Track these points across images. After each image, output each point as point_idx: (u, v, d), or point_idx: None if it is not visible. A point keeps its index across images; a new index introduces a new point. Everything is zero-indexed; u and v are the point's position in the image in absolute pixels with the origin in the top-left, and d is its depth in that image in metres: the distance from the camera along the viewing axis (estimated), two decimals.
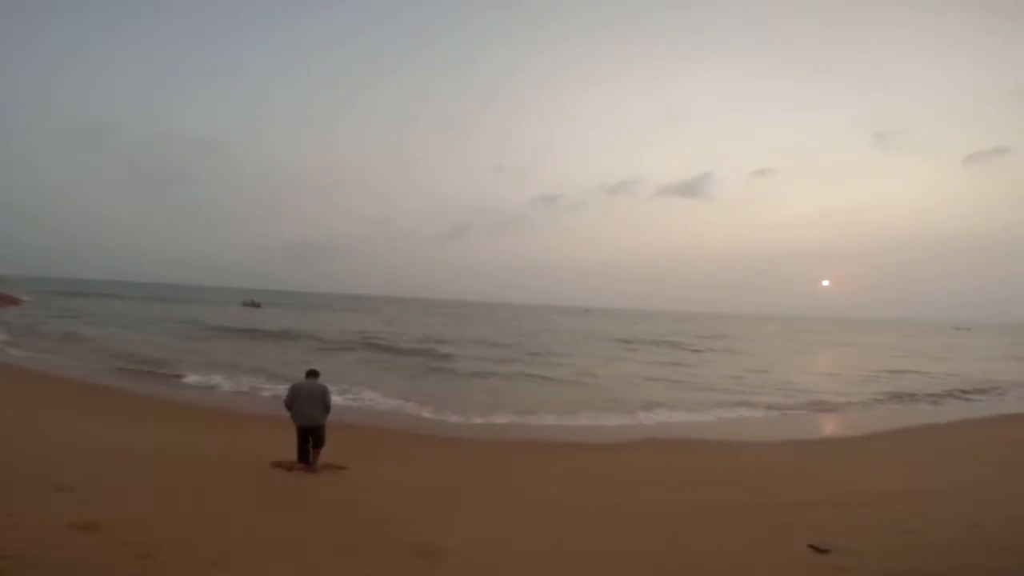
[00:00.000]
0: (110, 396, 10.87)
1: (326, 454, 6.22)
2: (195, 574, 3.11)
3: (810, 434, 10.80)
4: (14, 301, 37.30)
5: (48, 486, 4.35)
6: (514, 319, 65.26)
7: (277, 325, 33.15)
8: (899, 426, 11.56)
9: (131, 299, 57.95)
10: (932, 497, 5.33)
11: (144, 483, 5.04)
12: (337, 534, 4.10)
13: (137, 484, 4.97)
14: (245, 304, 60.59)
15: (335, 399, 6.78)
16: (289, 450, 6.23)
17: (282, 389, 11.04)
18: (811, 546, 3.66)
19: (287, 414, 6.07)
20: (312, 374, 6.31)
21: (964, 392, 17.49)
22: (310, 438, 6.04)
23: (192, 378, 13.60)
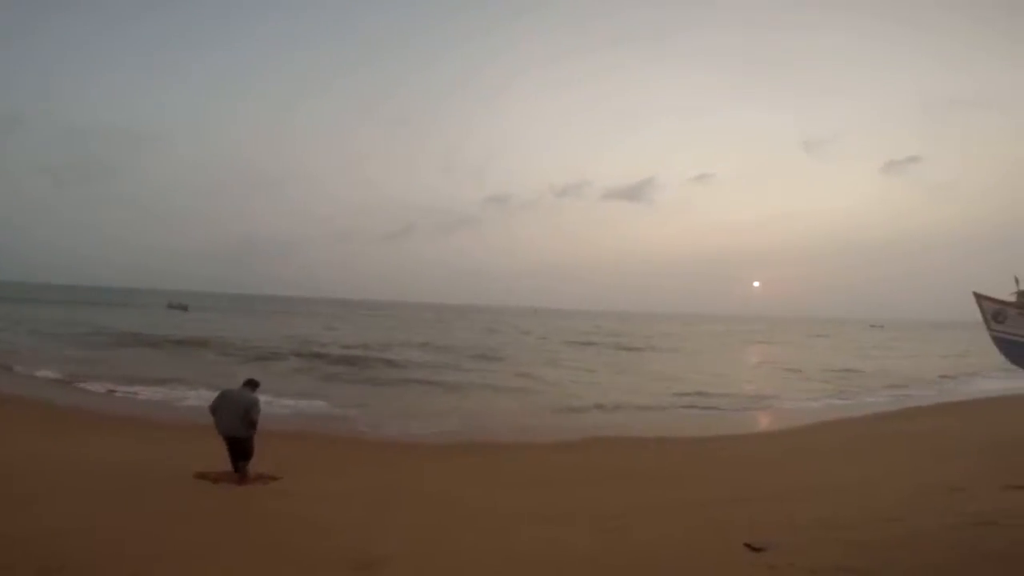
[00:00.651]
0: (9, 406, 9.98)
1: (257, 464, 5.90)
2: None
3: (745, 430, 11.27)
4: None
5: None
6: (461, 320, 64.72)
7: (200, 331, 30.24)
8: (825, 420, 12.25)
9: (47, 303, 52.67)
10: (855, 491, 5.62)
11: (54, 496, 4.68)
12: (267, 547, 3.90)
13: (46, 497, 4.64)
14: (171, 307, 56.96)
15: (270, 408, 6.44)
16: (214, 460, 5.89)
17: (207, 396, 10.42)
18: (747, 544, 3.73)
19: (212, 421, 5.76)
20: (249, 384, 5.99)
21: (886, 387, 18.77)
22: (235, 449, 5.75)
23: (95, 386, 12.52)
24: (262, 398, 6.12)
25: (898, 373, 22.63)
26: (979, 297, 9.00)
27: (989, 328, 8.98)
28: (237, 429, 5.67)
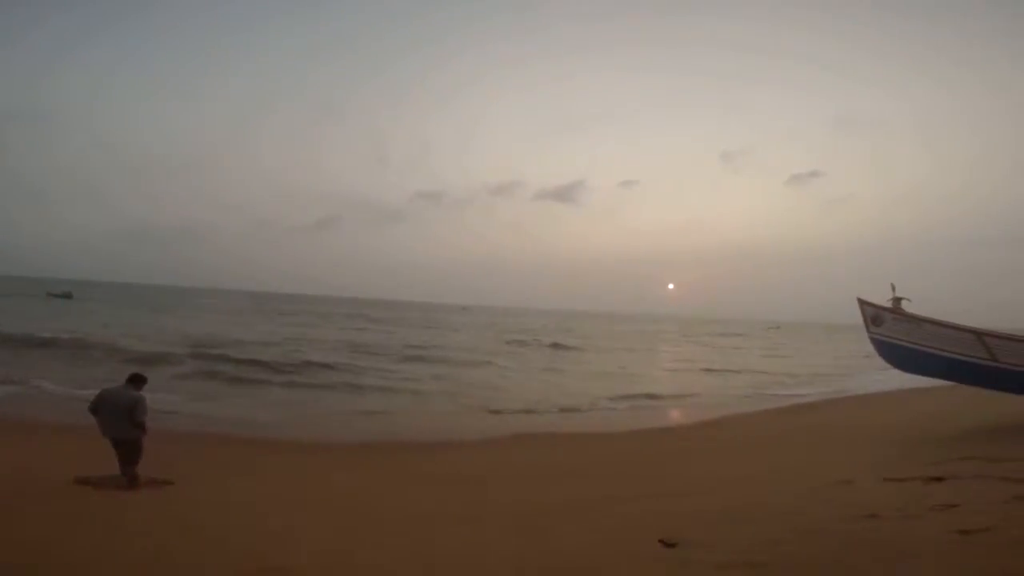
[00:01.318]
0: None
1: (148, 468, 5.44)
2: None
3: (660, 425, 11.76)
4: None
5: None
6: (386, 317, 63.03)
7: (81, 325, 25.76)
8: (731, 415, 13.10)
9: None
10: (758, 484, 5.97)
11: None
12: (155, 557, 3.58)
13: None
14: (52, 295, 51.13)
15: (161, 408, 5.97)
16: (97, 464, 5.40)
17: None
18: (661, 540, 3.81)
19: (94, 421, 5.33)
20: (132, 380, 5.48)
21: (790, 384, 20.44)
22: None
23: None
24: (149, 396, 5.63)
25: (799, 371, 24.81)
26: (862, 302, 9.84)
27: (869, 331, 9.82)
28: (122, 430, 5.22)
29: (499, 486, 6.28)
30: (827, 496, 5.08)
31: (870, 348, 10.08)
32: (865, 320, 9.73)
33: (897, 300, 9.30)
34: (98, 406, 5.31)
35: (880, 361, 10.13)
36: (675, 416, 13.31)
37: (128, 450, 5.31)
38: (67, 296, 51.29)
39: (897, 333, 9.33)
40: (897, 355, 9.50)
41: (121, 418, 5.22)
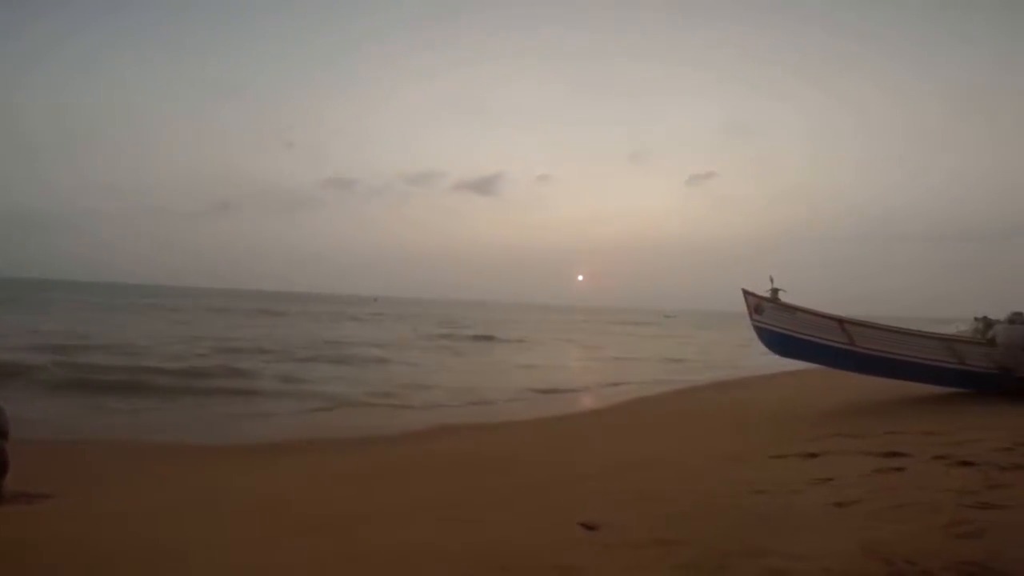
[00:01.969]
0: None
1: (18, 482, 4.89)
2: None
3: (572, 410, 12.22)
4: None
5: None
6: (289, 309, 59.48)
7: None
8: (638, 397, 13.94)
9: None
10: (664, 464, 6.41)
11: None
12: None
13: None
14: None
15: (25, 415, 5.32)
16: None
17: None
18: (581, 524, 3.97)
19: None
20: None
21: (693, 368, 22.03)
22: None
23: None
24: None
25: (695, 356, 26.89)
26: (745, 292, 10.76)
27: (751, 319, 10.77)
28: None
29: (420, 480, 6.24)
30: (723, 474, 5.56)
31: (754, 335, 11.14)
32: (748, 309, 10.73)
33: (775, 291, 10.35)
34: None
35: (762, 346, 11.25)
36: (588, 402, 13.93)
37: None
38: None
39: (775, 321, 10.39)
40: (775, 341, 10.58)
41: None
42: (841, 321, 9.88)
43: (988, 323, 12.46)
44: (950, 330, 17.06)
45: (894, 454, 5.28)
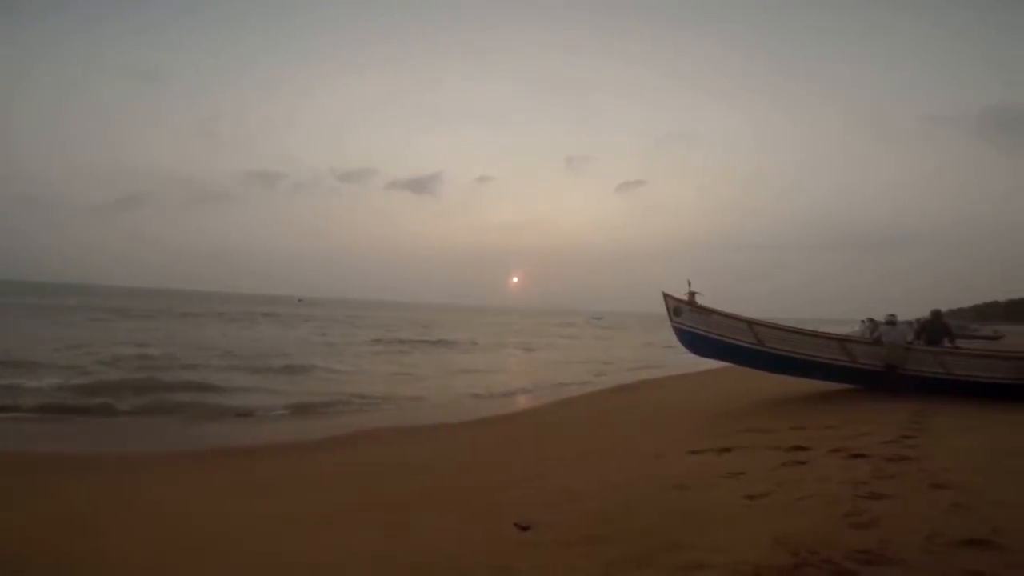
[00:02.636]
0: None
1: None
2: None
3: (501, 411, 12.29)
4: None
5: None
6: (200, 310, 55.35)
7: None
8: (567, 398, 14.28)
9: None
10: (592, 463, 6.63)
11: None
12: None
13: None
14: None
15: None
16: None
17: None
18: (516, 524, 4.06)
19: None
20: None
21: (613, 366, 22.90)
22: None
23: None
24: None
25: (622, 357, 27.95)
26: (666, 296, 11.31)
27: (671, 320, 11.33)
28: None
29: (347, 485, 6.08)
30: (646, 470, 5.79)
31: (674, 335, 11.74)
32: (668, 311, 11.30)
33: (692, 294, 10.96)
34: None
35: (681, 346, 11.88)
36: (518, 404, 14.07)
37: None
38: None
39: (692, 322, 11.00)
40: (692, 341, 11.19)
41: None
42: (750, 323, 10.61)
43: (875, 324, 13.85)
44: (848, 331, 18.87)
45: (797, 448, 5.74)
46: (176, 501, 5.50)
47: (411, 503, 5.20)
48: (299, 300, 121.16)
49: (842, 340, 10.58)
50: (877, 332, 10.53)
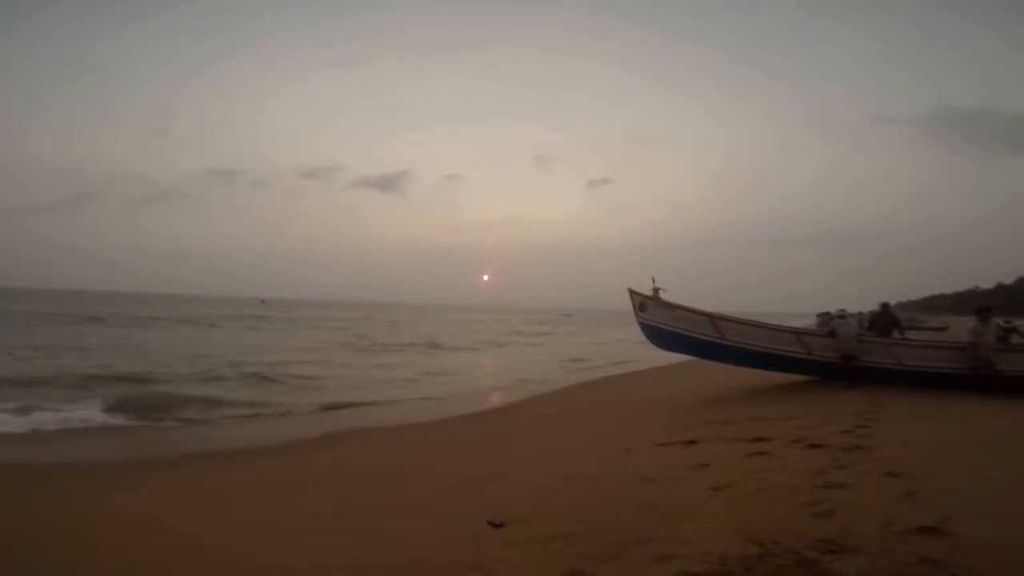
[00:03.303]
0: None
1: None
2: None
3: (474, 409, 12.32)
4: None
5: None
6: (163, 313, 53.10)
7: None
8: (539, 394, 14.38)
9: None
10: (563, 460, 6.68)
11: None
12: None
13: None
14: None
15: None
16: None
17: None
18: (489, 522, 4.09)
19: None
20: None
21: (583, 362, 23.18)
22: None
23: None
24: None
25: (591, 353, 28.32)
26: (631, 292, 11.51)
27: (637, 316, 11.54)
28: None
29: (316, 490, 5.98)
30: (615, 465, 5.89)
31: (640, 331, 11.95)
32: (634, 307, 11.50)
33: (656, 290, 11.19)
34: None
35: (647, 341, 12.10)
36: (488, 401, 14.09)
37: None
38: None
39: (657, 318, 11.23)
40: (657, 336, 11.43)
41: None
42: (712, 317, 10.89)
43: (830, 317, 14.44)
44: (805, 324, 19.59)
45: (759, 439, 5.94)
46: (142, 507, 5.33)
47: (383, 505, 5.16)
48: (261, 301, 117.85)
49: (799, 333, 10.95)
50: (830, 325, 10.93)
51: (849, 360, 9.81)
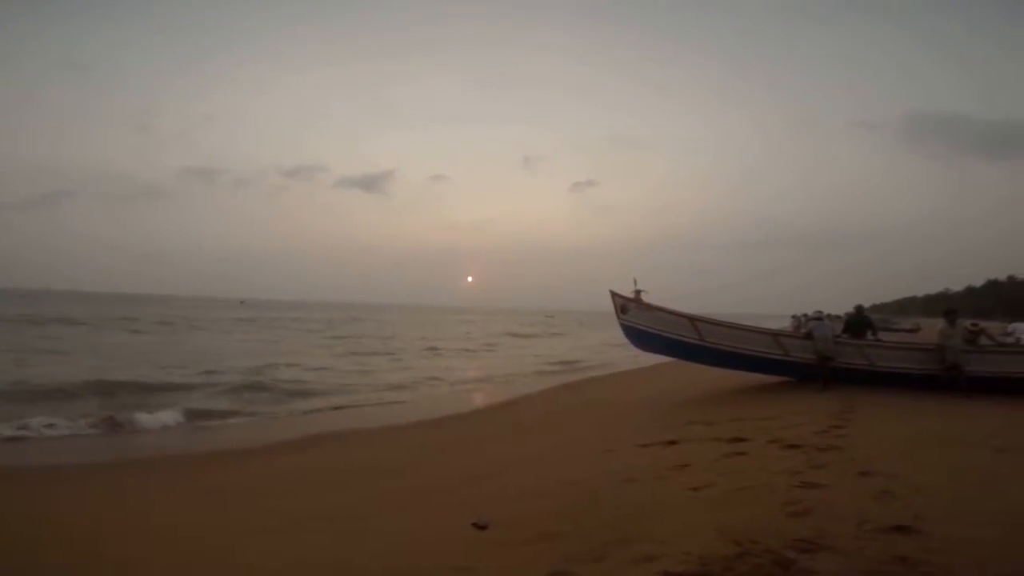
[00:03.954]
0: None
1: None
2: None
3: (457, 410, 12.32)
4: None
5: None
6: (139, 314, 51.67)
7: None
8: (521, 395, 14.38)
9: None
10: (545, 460, 6.74)
11: None
12: None
13: None
14: None
15: None
16: None
17: None
18: (473, 524, 4.10)
19: None
20: None
21: (567, 363, 23.40)
22: None
23: None
24: None
25: (574, 354, 28.59)
26: (613, 294, 11.63)
27: (619, 318, 11.66)
28: None
29: (303, 491, 5.94)
30: (598, 465, 5.92)
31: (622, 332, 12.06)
32: (616, 309, 11.62)
33: (638, 292, 11.32)
34: None
35: (627, 343, 12.23)
36: (472, 402, 14.11)
37: None
38: None
39: (638, 319, 11.36)
40: (639, 338, 11.56)
41: None
42: (692, 319, 11.05)
43: (803, 319, 14.75)
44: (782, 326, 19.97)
45: (737, 439, 6.05)
46: (125, 509, 5.25)
47: (367, 506, 5.16)
48: (241, 302, 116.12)
49: (776, 335, 11.16)
50: (807, 327, 11.15)
51: (826, 361, 10.02)
